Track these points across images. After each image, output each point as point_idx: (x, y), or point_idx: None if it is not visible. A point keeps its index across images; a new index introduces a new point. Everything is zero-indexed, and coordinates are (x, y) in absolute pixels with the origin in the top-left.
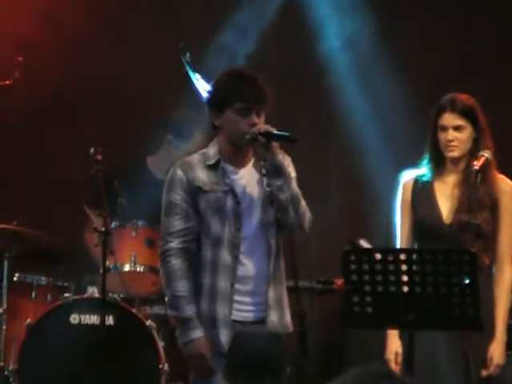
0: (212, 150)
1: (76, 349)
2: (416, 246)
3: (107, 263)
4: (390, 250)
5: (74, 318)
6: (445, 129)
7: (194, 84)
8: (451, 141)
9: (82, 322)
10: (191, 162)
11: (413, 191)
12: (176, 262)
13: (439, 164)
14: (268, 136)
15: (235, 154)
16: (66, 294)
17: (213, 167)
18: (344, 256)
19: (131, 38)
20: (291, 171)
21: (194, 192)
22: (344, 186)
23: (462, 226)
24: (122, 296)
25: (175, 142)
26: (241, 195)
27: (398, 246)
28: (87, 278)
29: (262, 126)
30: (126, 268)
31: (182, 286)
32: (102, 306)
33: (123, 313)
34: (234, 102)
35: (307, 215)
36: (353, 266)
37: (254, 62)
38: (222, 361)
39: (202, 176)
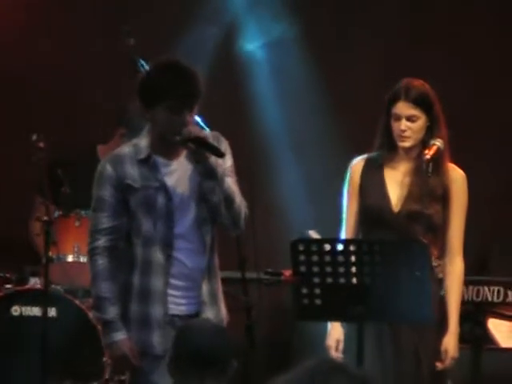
0: (143, 142)
1: (17, 341)
2: (361, 234)
3: (50, 253)
4: (339, 241)
5: (16, 310)
6: (398, 118)
7: (140, 71)
8: (404, 131)
9: (24, 314)
10: (121, 157)
11: (362, 175)
12: (102, 262)
13: (391, 151)
14: (198, 143)
15: (167, 146)
16: (7, 286)
17: (144, 161)
18: (293, 246)
19: (81, 23)
20: (228, 159)
21: (124, 189)
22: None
23: (411, 215)
24: (65, 287)
25: (127, 136)
26: (173, 191)
27: (343, 232)
28: (29, 269)
29: (194, 130)
30: (69, 259)
31: (106, 288)
32: (44, 297)
33: (66, 304)
34: (165, 98)
35: (242, 212)
36: (301, 257)
37: None
38: (154, 361)
39: (132, 172)
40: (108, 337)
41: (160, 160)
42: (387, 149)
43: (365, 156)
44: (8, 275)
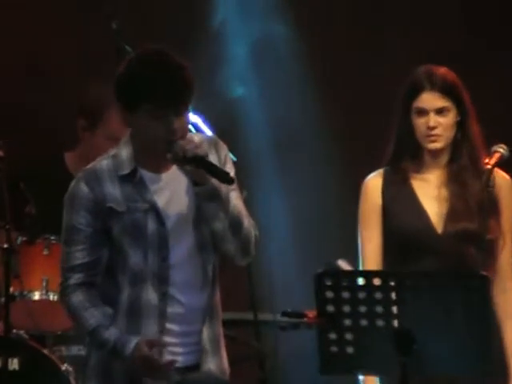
0: (125, 152)
1: None
2: (389, 266)
3: (11, 290)
4: (376, 273)
5: None
6: (424, 113)
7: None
8: (433, 128)
9: None
10: (98, 173)
11: (383, 193)
12: (76, 297)
13: (414, 158)
14: (196, 163)
15: (154, 156)
16: None
17: (127, 178)
18: (317, 281)
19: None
20: (229, 168)
21: (105, 214)
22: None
23: (461, 236)
24: (30, 333)
25: (89, 128)
26: (165, 213)
27: (362, 266)
28: None
29: (189, 146)
30: (36, 296)
31: (91, 316)
32: (3, 345)
33: (32, 354)
34: (145, 100)
35: (252, 236)
36: (329, 294)
37: None
38: None
39: (113, 192)
40: (122, 354)
41: (147, 174)
42: (411, 155)
43: (380, 170)
44: None
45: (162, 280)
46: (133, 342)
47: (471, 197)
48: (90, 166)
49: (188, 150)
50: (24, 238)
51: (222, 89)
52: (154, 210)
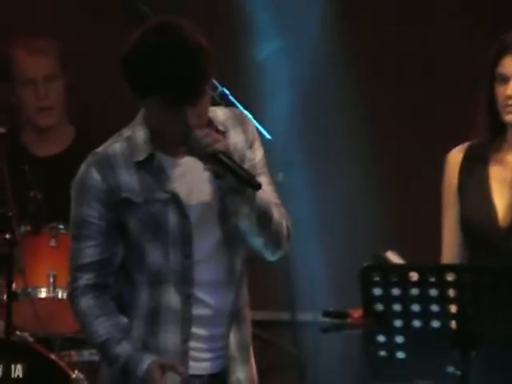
0: (140, 135)
1: None
2: (466, 256)
3: (13, 286)
4: (431, 268)
5: None
6: (504, 79)
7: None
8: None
9: None
10: (111, 158)
11: (461, 172)
12: (84, 301)
13: (497, 133)
14: (215, 160)
15: (172, 139)
16: None
17: (144, 164)
18: (363, 275)
19: None
20: (257, 148)
21: (119, 206)
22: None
23: None
24: (35, 335)
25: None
26: (187, 203)
27: (443, 253)
28: None
29: (208, 140)
30: (42, 293)
31: (102, 326)
32: (6, 349)
33: (38, 360)
34: (156, 89)
35: (284, 229)
36: (376, 291)
37: None
38: None
39: (129, 180)
40: (135, 373)
41: (165, 158)
42: (491, 130)
43: (465, 144)
44: None
45: (185, 280)
46: (145, 362)
47: None
48: (100, 149)
49: (205, 145)
50: (28, 228)
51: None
52: (176, 200)
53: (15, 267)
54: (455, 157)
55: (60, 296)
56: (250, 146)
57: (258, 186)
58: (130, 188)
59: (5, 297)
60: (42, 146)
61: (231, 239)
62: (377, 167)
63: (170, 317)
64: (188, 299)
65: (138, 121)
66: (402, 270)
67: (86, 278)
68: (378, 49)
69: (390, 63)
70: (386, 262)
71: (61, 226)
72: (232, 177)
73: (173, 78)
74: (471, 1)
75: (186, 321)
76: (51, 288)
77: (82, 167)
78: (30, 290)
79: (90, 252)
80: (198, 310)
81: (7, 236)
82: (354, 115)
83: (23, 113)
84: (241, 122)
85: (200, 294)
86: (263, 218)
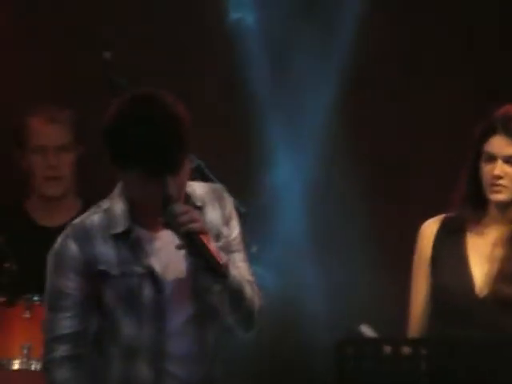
0: (118, 207)
1: None
2: (433, 328)
3: None
4: (405, 341)
5: None
6: (492, 159)
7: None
8: (499, 177)
9: None
10: (89, 230)
11: (435, 243)
12: (60, 373)
13: (477, 208)
14: (189, 239)
15: (150, 214)
16: None
17: (121, 237)
18: (338, 349)
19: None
20: (234, 226)
21: (96, 278)
22: None
23: (502, 301)
24: None
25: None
26: (162, 278)
27: (409, 321)
28: None
29: (184, 219)
30: (16, 365)
31: None
32: None
33: None
34: (136, 165)
35: (255, 308)
36: (351, 365)
37: None
38: None
39: (106, 252)
40: None
41: (142, 233)
42: (473, 204)
43: (441, 216)
44: None
45: (157, 355)
46: None
47: None
48: (78, 220)
49: (181, 223)
50: (2, 299)
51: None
52: (152, 275)
53: None
54: (429, 228)
55: (34, 368)
56: (227, 223)
57: (223, 275)
58: (106, 260)
59: None
60: (47, 216)
61: (204, 314)
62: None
63: None
64: (160, 373)
65: (117, 193)
66: (375, 344)
67: (62, 350)
68: None
69: None
70: (361, 336)
71: (35, 298)
72: (202, 260)
73: (152, 147)
74: None
75: None
76: (25, 360)
77: (60, 238)
78: (3, 361)
79: (67, 323)
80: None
81: None
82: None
83: (31, 180)
84: (218, 197)
85: (171, 367)
86: (234, 297)
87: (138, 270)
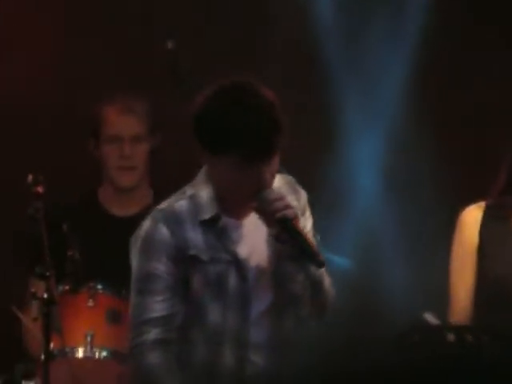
0: (204, 194)
1: None
2: (478, 319)
3: (51, 346)
4: (468, 329)
5: None
6: None
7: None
8: None
9: None
10: (179, 215)
11: (482, 229)
12: (153, 356)
13: None
14: (283, 225)
15: (237, 202)
16: None
17: (208, 224)
18: (403, 338)
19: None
20: (307, 218)
21: (186, 262)
22: None
23: None
24: None
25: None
26: (247, 266)
27: (452, 311)
28: (21, 369)
29: (279, 205)
30: (80, 353)
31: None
32: None
33: None
34: (230, 147)
35: (331, 298)
36: (415, 352)
37: None
38: None
39: (195, 238)
40: None
41: (228, 221)
42: None
43: (481, 203)
44: None
45: (240, 343)
46: None
47: None
48: (165, 205)
49: (276, 209)
50: (66, 287)
51: None
52: (237, 263)
53: (52, 327)
54: (472, 215)
55: (97, 356)
56: (302, 215)
57: (322, 264)
58: (196, 245)
59: (42, 356)
60: (119, 206)
61: (283, 303)
62: None
63: (225, 376)
64: (242, 360)
65: (201, 179)
66: (439, 331)
67: (154, 333)
68: None
69: None
70: (425, 323)
71: (98, 286)
72: (296, 248)
73: (249, 132)
74: None
75: (240, 381)
76: (89, 348)
77: (148, 222)
78: (67, 349)
79: (158, 306)
80: (250, 372)
81: (45, 295)
82: None
83: (104, 170)
84: (294, 189)
85: (252, 355)
86: (316, 286)
87: (226, 256)
